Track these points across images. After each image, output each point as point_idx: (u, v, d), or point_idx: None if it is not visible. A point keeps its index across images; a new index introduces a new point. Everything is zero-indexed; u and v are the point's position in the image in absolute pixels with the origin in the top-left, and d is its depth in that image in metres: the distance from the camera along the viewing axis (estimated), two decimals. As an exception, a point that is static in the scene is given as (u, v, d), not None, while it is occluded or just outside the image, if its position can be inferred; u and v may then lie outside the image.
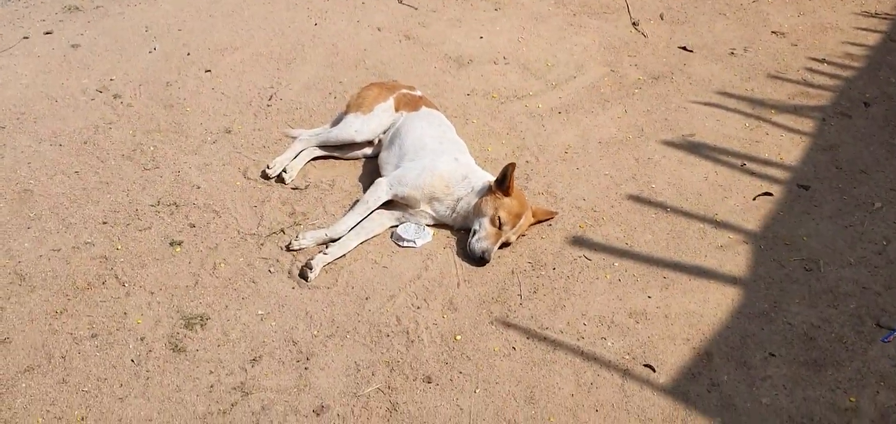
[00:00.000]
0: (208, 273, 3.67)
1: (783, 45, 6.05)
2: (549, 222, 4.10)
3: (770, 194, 4.35)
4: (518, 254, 3.90)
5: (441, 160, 4.07)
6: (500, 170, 3.91)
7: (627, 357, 3.35)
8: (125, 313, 3.43)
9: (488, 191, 3.92)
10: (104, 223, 3.92)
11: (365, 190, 4.19)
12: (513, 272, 3.79)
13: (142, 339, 3.32)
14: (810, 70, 5.69)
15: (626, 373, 3.27)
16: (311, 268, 3.67)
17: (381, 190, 4.01)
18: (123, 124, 4.71)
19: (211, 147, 4.55)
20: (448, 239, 4.00)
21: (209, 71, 5.30)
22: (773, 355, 3.37)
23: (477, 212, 3.91)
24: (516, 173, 3.86)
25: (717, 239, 4.03)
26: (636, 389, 3.21)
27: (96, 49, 5.52)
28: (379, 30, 5.99)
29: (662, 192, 4.37)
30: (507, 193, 3.87)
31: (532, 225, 4.01)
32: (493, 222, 3.84)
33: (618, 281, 3.75)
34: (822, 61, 5.81)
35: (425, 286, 3.68)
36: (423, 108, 4.49)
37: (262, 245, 3.86)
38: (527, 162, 4.58)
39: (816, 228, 4.13)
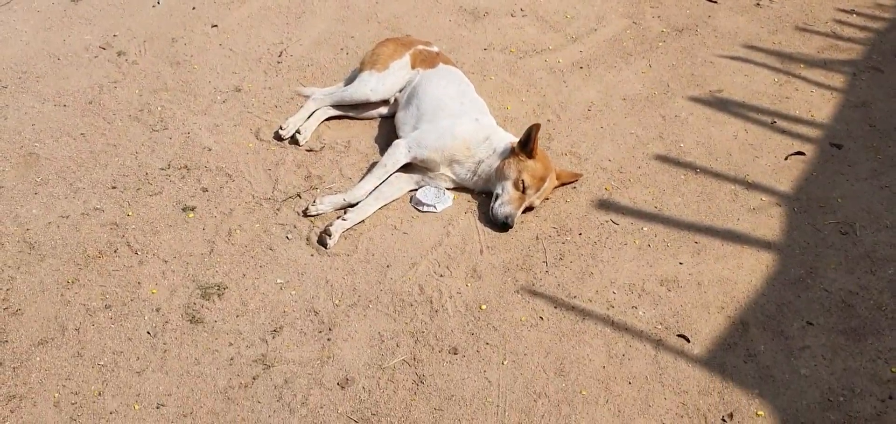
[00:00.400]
0: (223, 240, 3.55)
1: (810, -5, 5.84)
2: (573, 184, 3.97)
3: (802, 153, 4.20)
4: (542, 219, 3.77)
5: (461, 121, 3.92)
6: (521, 130, 3.76)
7: (660, 326, 3.24)
8: (139, 283, 3.33)
9: (511, 153, 3.78)
10: (113, 187, 3.79)
11: (381, 151, 4.06)
12: (537, 238, 3.67)
13: (157, 310, 3.22)
14: (839, 22, 5.48)
15: (659, 344, 3.17)
16: (329, 235, 3.56)
17: (400, 152, 3.87)
18: (129, 83, 4.55)
19: (221, 107, 4.40)
20: (469, 203, 3.87)
21: (216, 26, 5.11)
22: (810, 324, 3.26)
23: (499, 175, 3.77)
24: (538, 133, 3.71)
25: (749, 201, 3.90)
26: (670, 360, 3.11)
27: (98, 3, 5.31)
28: (390, -19, 5.76)
29: (691, 152, 4.22)
30: (530, 155, 3.72)
31: (556, 187, 3.88)
32: (516, 186, 3.71)
33: (647, 247, 3.62)
34: (851, 12, 5.59)
35: (447, 253, 3.56)
36: (441, 65, 4.32)
37: (278, 210, 3.73)
38: (548, 120, 4.42)
39: (851, 189, 3.99)
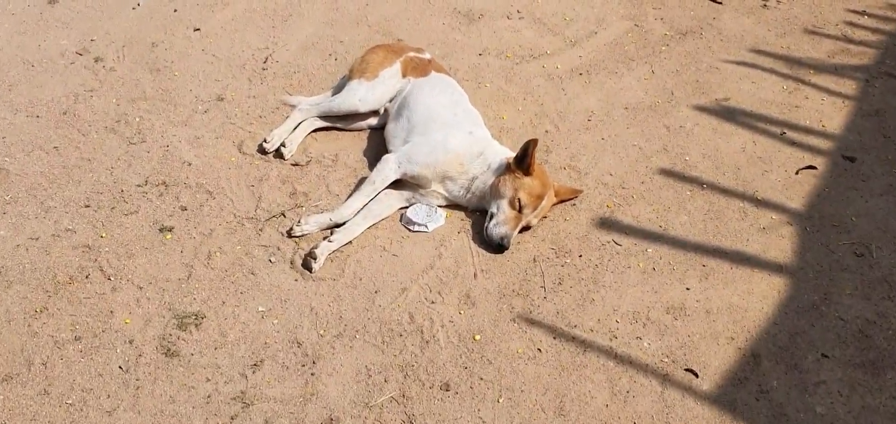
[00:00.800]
0: (202, 263, 3.35)
1: (819, -5, 5.60)
2: (573, 201, 3.76)
3: (814, 167, 3.99)
4: (540, 239, 3.57)
5: (454, 134, 3.71)
6: (518, 141, 3.57)
7: (666, 359, 3.04)
8: (111, 311, 3.13)
9: (506, 169, 3.57)
10: (86, 206, 3.59)
11: (371, 165, 3.85)
12: (535, 260, 3.47)
13: (130, 342, 3.01)
14: (850, 24, 5.26)
15: (665, 379, 2.97)
16: (315, 258, 3.35)
17: (389, 168, 3.66)
18: (106, 91, 4.33)
19: (202, 117, 4.18)
20: (462, 221, 3.67)
21: (198, 29, 4.89)
22: (825, 356, 3.06)
23: (494, 192, 3.56)
24: (536, 149, 3.50)
25: (758, 219, 3.69)
26: (678, 398, 2.91)
27: (75, 5, 5.08)
28: (381, -19, 5.53)
29: (697, 166, 4.01)
30: (527, 172, 3.52)
31: (555, 205, 3.67)
32: (512, 204, 3.50)
33: (652, 271, 3.42)
34: (863, 13, 5.37)
35: (439, 277, 3.36)
36: (433, 73, 4.11)
37: (260, 230, 3.52)
38: (546, 131, 4.21)
39: (866, 206, 3.78)
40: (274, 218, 3.59)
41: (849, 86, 4.62)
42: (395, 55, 4.16)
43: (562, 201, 3.71)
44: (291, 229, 3.51)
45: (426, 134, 3.77)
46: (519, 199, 3.49)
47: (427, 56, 4.25)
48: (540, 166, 3.61)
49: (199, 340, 3.05)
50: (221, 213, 3.60)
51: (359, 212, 3.58)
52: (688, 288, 3.33)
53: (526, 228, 3.57)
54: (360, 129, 4.17)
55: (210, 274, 3.31)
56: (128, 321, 3.09)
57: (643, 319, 3.20)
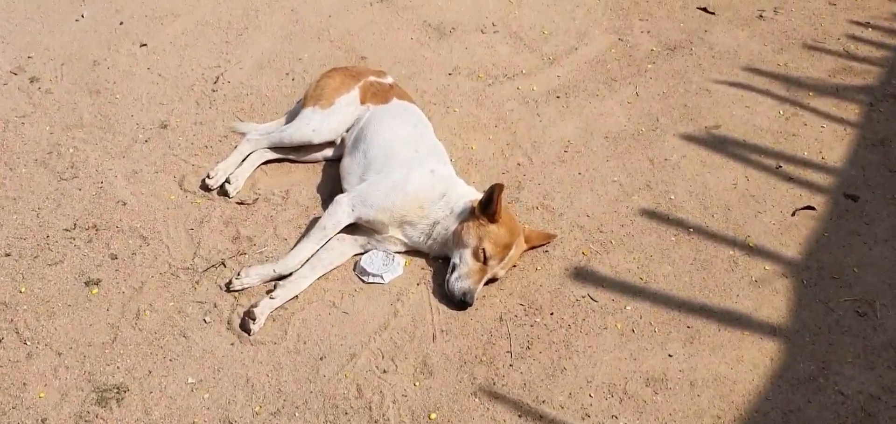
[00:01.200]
0: (130, 324, 3.00)
1: (819, 5, 5.17)
2: (545, 247, 3.39)
3: (812, 208, 3.62)
4: (508, 293, 3.21)
5: (414, 174, 3.34)
6: (487, 175, 3.26)
7: (643, 445, 2.70)
8: (25, 383, 2.79)
9: (471, 214, 3.21)
10: (7, 255, 3.23)
11: (325, 203, 3.50)
12: (501, 318, 3.11)
13: (43, 421, 2.67)
14: (853, 37, 4.85)
15: (641, 470, 2.63)
16: (254, 318, 3.00)
17: (342, 211, 3.29)
18: (39, 117, 3.96)
19: (142, 147, 3.81)
20: (423, 270, 3.31)
21: (145, 45, 4.50)
22: (824, 440, 2.72)
23: (457, 240, 3.20)
24: (506, 179, 3.13)
25: (750, 270, 3.32)
26: (655, 494, 2.57)
27: (14, 17, 4.70)
28: (348, -12, 5.14)
29: (683, 205, 3.63)
30: (493, 219, 3.15)
31: (525, 252, 3.31)
32: (476, 255, 3.14)
33: (631, 332, 3.06)
34: (867, 26, 4.97)
35: (393, 339, 3.01)
36: (395, 101, 3.73)
37: (197, 283, 3.17)
38: (518, 164, 3.83)
39: (869, 255, 3.41)
40: (213, 268, 3.23)
41: (851, 111, 4.24)
42: (354, 80, 3.78)
43: (533, 247, 3.35)
44: (230, 282, 3.15)
45: (384, 172, 3.40)
46: (483, 250, 3.13)
47: (389, 80, 3.87)
48: (507, 211, 3.24)
49: (119, 418, 2.71)
50: (155, 263, 3.24)
51: (306, 261, 3.22)
52: (670, 355, 2.98)
53: (492, 280, 3.21)
54: (315, 161, 3.81)
55: (137, 337, 2.96)
56: (42, 394, 2.75)
57: (620, 393, 2.84)
